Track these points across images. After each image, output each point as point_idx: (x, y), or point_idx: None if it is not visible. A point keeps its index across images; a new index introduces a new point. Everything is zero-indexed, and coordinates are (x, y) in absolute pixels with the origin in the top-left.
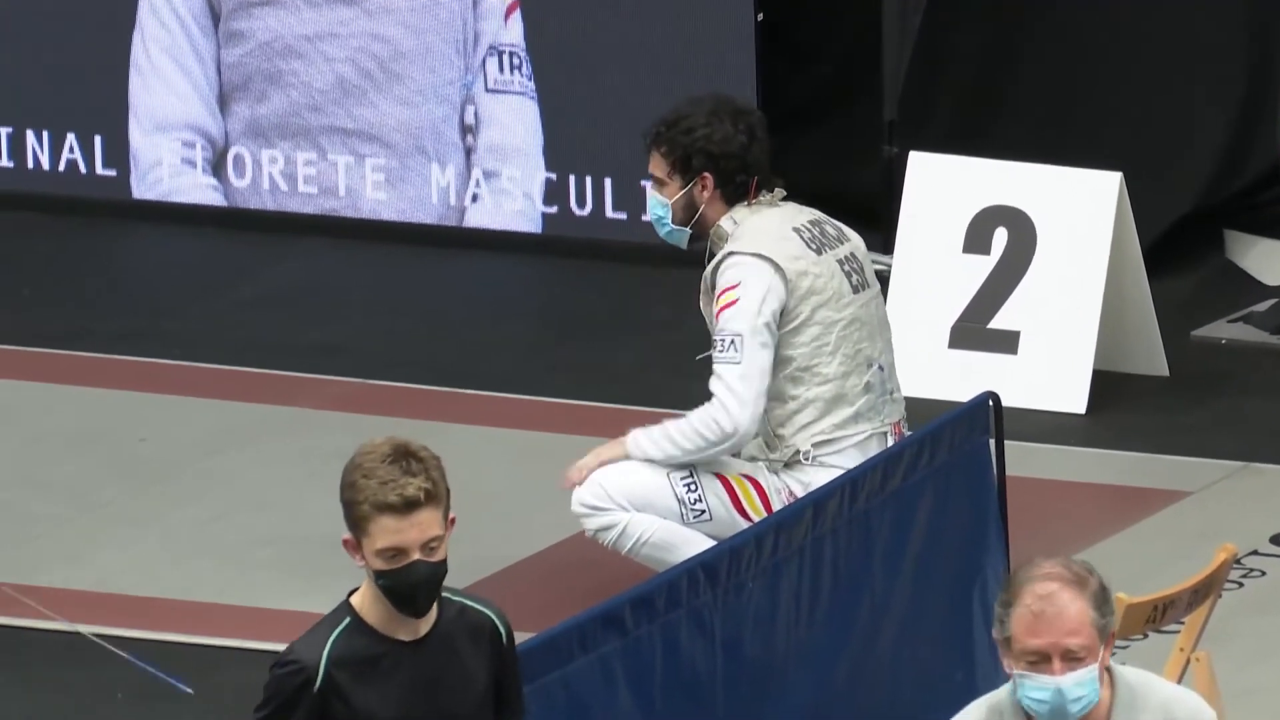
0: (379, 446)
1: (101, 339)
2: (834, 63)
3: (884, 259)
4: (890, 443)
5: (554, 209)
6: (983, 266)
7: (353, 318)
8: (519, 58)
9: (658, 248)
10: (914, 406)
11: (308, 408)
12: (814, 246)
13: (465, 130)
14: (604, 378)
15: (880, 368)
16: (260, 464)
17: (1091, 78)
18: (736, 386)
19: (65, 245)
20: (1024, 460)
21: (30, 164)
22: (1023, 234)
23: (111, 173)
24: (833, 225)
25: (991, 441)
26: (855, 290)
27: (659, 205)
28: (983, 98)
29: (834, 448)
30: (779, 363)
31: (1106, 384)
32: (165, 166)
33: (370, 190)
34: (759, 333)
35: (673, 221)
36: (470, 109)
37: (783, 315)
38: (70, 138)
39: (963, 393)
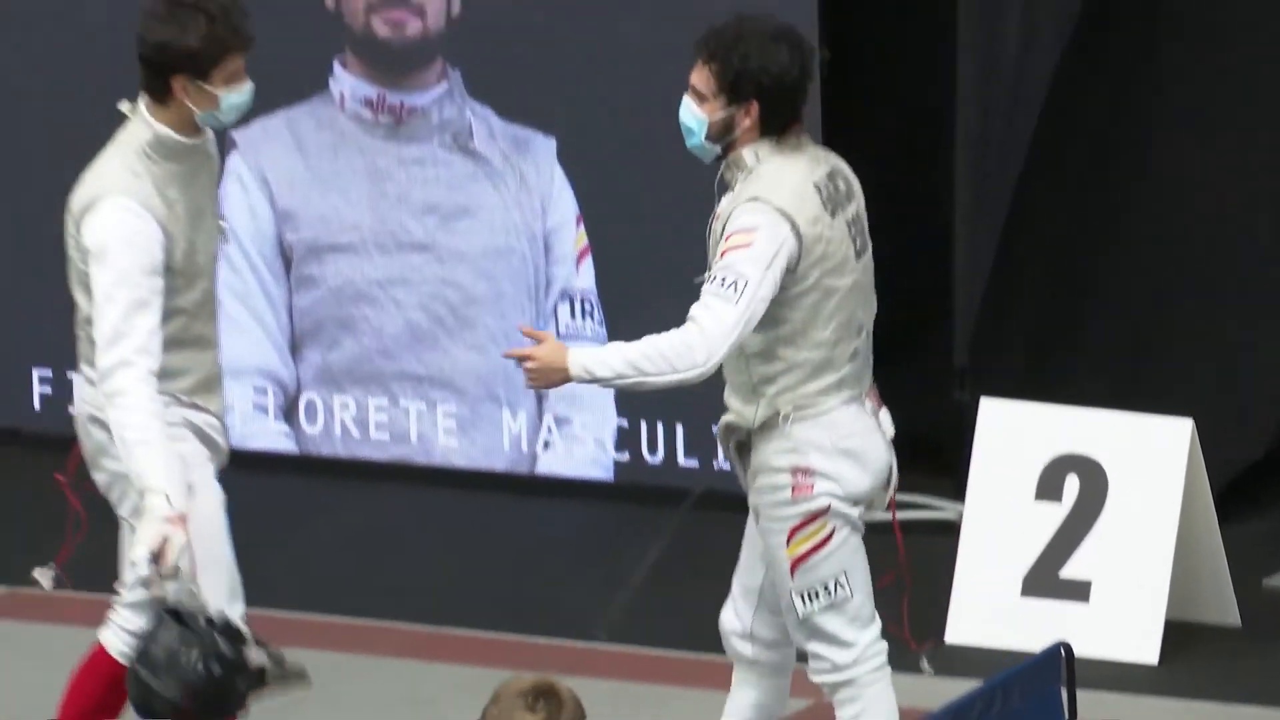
0: (520, 684)
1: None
2: (904, 306)
3: (955, 505)
4: (867, 407)
5: (625, 456)
6: (1055, 514)
7: (424, 564)
8: (590, 303)
9: (731, 493)
10: (985, 655)
11: (379, 655)
12: (829, 207)
13: None
14: (677, 624)
15: (867, 334)
16: (332, 711)
17: (1164, 322)
18: (726, 323)
19: None
20: (1096, 710)
21: None
22: (1094, 481)
23: None
24: (844, 179)
25: (1063, 691)
26: (858, 256)
27: (694, 119)
28: (1053, 342)
29: (813, 411)
30: (774, 322)
31: (1178, 633)
32: (237, 412)
33: (442, 437)
34: (764, 285)
35: (705, 139)
36: None
37: (789, 279)
38: None
39: (1034, 642)
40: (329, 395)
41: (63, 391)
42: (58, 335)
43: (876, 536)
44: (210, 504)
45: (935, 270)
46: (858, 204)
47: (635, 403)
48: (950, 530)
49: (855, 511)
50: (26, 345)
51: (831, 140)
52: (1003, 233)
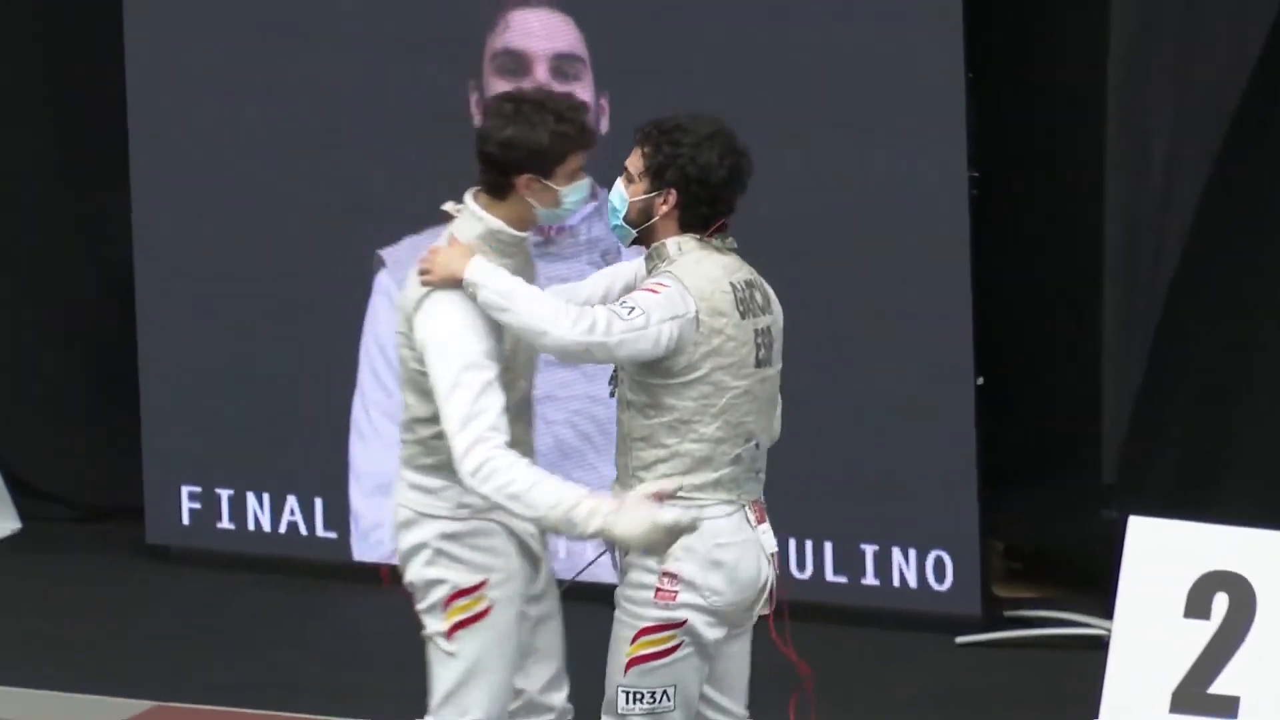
0: None
1: (318, 697)
2: (1052, 424)
3: (1104, 623)
4: (750, 518)
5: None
6: (1203, 631)
7: (585, 677)
8: None
9: (887, 611)
10: None
11: None
12: (740, 308)
13: None
14: None
15: (757, 445)
16: None
17: None
18: (602, 325)
19: (286, 606)
20: None
21: (251, 525)
22: (1242, 598)
23: (332, 535)
24: (762, 293)
25: None
26: (759, 365)
27: (619, 198)
28: (1202, 458)
29: (681, 505)
30: (661, 408)
31: None
32: (386, 528)
33: (591, 551)
34: (653, 328)
35: (624, 220)
36: None
37: (681, 364)
38: (291, 500)
39: None
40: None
41: (211, 508)
42: (206, 452)
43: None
44: (503, 623)
45: (1084, 388)
46: (774, 320)
47: (783, 520)
48: (1098, 646)
49: (711, 632)
50: (176, 463)
51: (980, 255)
52: (1152, 350)
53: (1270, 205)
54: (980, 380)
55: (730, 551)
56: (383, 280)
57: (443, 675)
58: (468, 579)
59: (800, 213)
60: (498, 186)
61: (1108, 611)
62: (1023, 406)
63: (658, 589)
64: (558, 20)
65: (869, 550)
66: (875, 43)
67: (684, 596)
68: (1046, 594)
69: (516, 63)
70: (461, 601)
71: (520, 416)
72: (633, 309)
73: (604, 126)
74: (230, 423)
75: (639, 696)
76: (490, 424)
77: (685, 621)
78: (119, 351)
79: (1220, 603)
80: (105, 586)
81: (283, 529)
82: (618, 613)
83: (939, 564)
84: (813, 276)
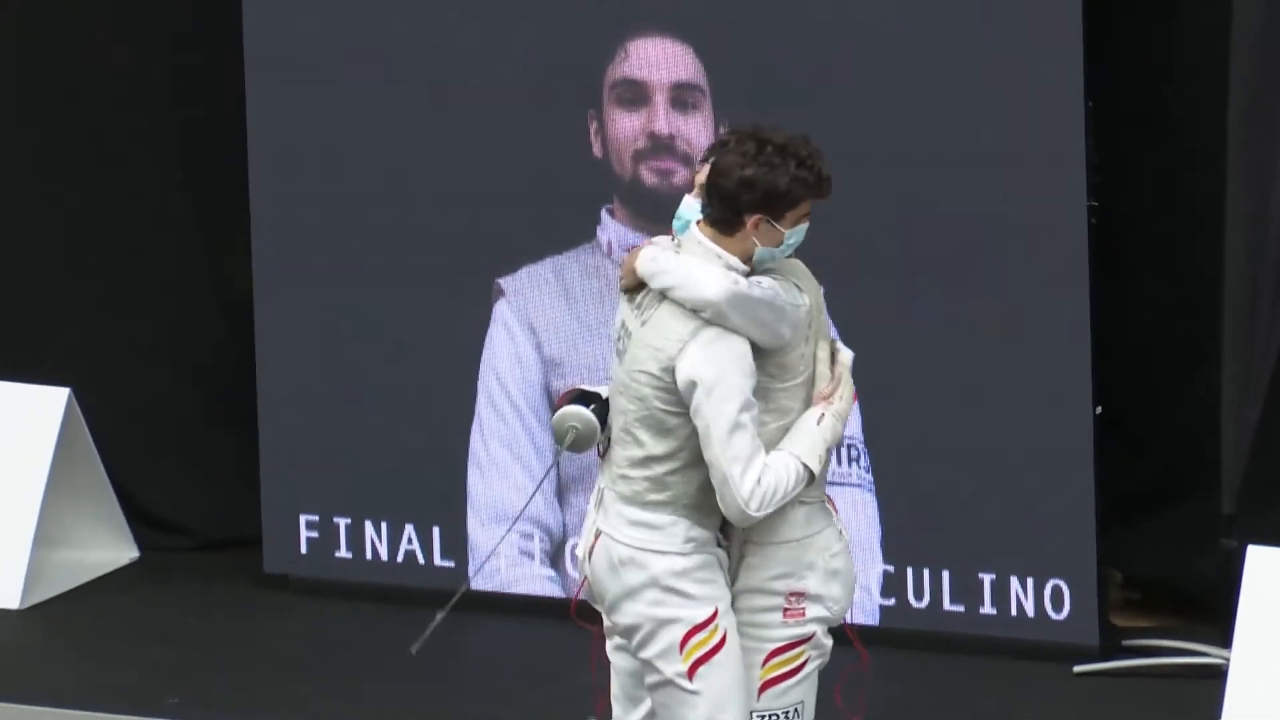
0: None
1: None
2: (1171, 453)
3: (1223, 652)
4: (833, 513)
5: (891, 601)
6: None
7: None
8: (857, 449)
9: (1004, 641)
10: None
11: None
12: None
13: None
14: None
15: None
16: None
17: None
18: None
19: (402, 635)
20: None
21: (368, 554)
22: None
23: (449, 563)
24: None
25: None
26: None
27: (687, 209)
28: None
29: (813, 530)
30: (782, 411)
31: None
32: (503, 558)
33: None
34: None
35: None
36: None
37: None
38: (408, 529)
39: None
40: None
41: (329, 537)
42: (324, 481)
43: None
44: (734, 650)
45: (1204, 417)
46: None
47: (902, 548)
48: (1216, 675)
49: (829, 640)
50: (293, 491)
51: (1100, 284)
52: (1272, 378)
53: None
54: (1099, 409)
55: (841, 559)
56: (501, 309)
57: (689, 715)
58: (701, 613)
59: (921, 243)
60: (727, 223)
61: (1226, 641)
62: (1142, 435)
63: (785, 609)
64: (677, 49)
65: (986, 579)
66: (995, 71)
67: (811, 611)
68: (1165, 623)
69: (636, 92)
70: (699, 637)
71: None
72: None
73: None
74: (348, 451)
75: (773, 718)
76: (764, 462)
77: (814, 635)
78: (238, 380)
79: None
80: (223, 616)
81: (400, 558)
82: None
83: (1057, 593)
84: (935, 305)
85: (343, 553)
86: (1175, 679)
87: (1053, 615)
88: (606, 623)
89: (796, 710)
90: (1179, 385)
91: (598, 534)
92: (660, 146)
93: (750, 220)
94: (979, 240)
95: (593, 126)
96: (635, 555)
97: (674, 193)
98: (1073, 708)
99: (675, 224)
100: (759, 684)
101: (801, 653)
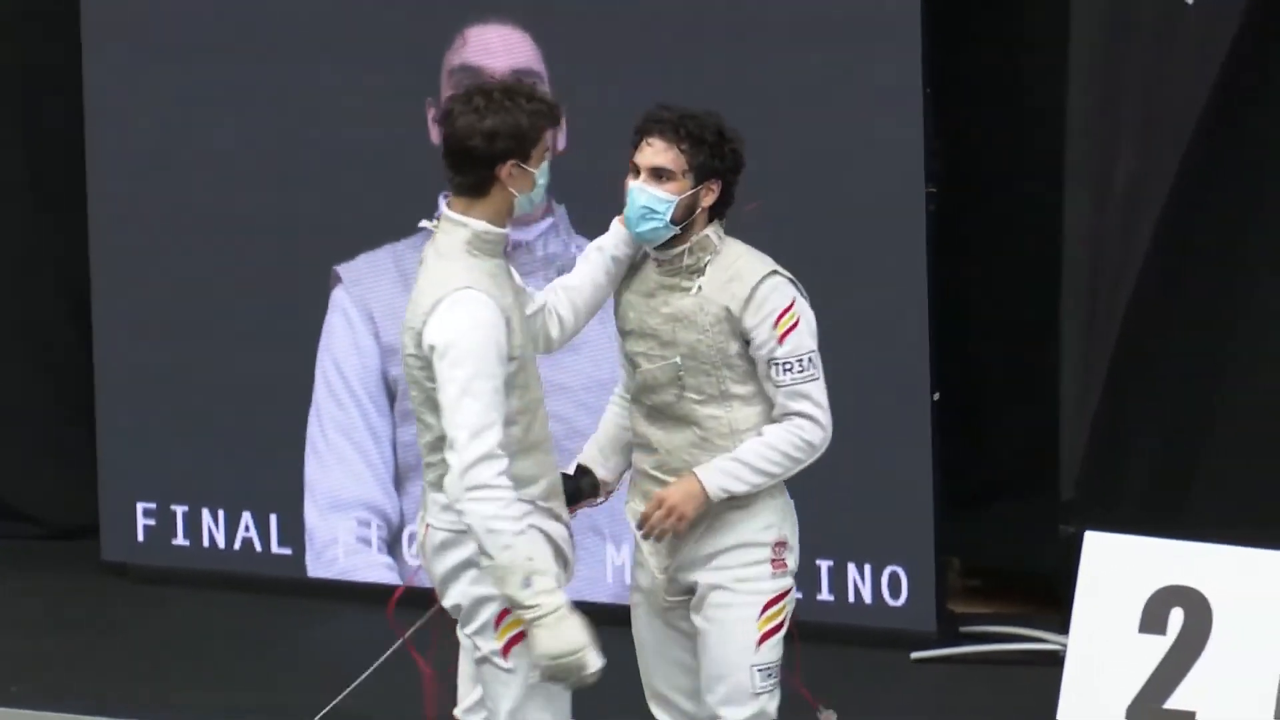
0: None
1: (277, 715)
2: (1010, 440)
3: (1060, 639)
4: None
5: None
6: (1159, 646)
7: None
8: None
9: (842, 627)
10: None
11: None
12: None
13: None
14: None
15: None
16: None
17: (1273, 455)
18: (824, 399)
19: (241, 623)
20: None
21: (206, 542)
22: (1199, 614)
23: (287, 551)
24: None
25: None
26: None
27: (657, 199)
28: (1161, 475)
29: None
30: (760, 398)
31: None
32: (341, 545)
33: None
34: (816, 354)
35: (671, 219)
36: None
37: None
38: (246, 516)
39: None
40: None
41: (167, 525)
42: (161, 469)
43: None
44: None
45: (1043, 404)
46: None
47: None
48: (1055, 662)
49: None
50: (131, 480)
51: (938, 271)
52: (1110, 366)
53: (1229, 225)
54: (937, 396)
55: (794, 511)
56: (338, 297)
57: (504, 694)
58: None
59: (758, 228)
60: (480, 183)
61: (1065, 627)
62: (980, 422)
63: (773, 560)
64: (515, 36)
65: (824, 565)
66: (834, 59)
67: (789, 562)
68: (1003, 610)
69: (474, 79)
70: (513, 616)
71: (540, 412)
72: (806, 360)
73: (561, 142)
74: (186, 439)
75: (769, 672)
76: (499, 439)
77: (791, 587)
78: (78, 369)
79: (1176, 618)
80: (62, 604)
81: (237, 545)
82: (724, 597)
83: (894, 580)
84: None
85: (180, 540)
86: (1014, 665)
87: (890, 602)
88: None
89: (779, 662)
90: (1019, 372)
91: (425, 526)
92: None
93: (503, 170)
94: (817, 225)
95: (431, 113)
96: (450, 538)
97: None
98: (910, 695)
99: (642, 227)
100: (757, 637)
101: (784, 605)
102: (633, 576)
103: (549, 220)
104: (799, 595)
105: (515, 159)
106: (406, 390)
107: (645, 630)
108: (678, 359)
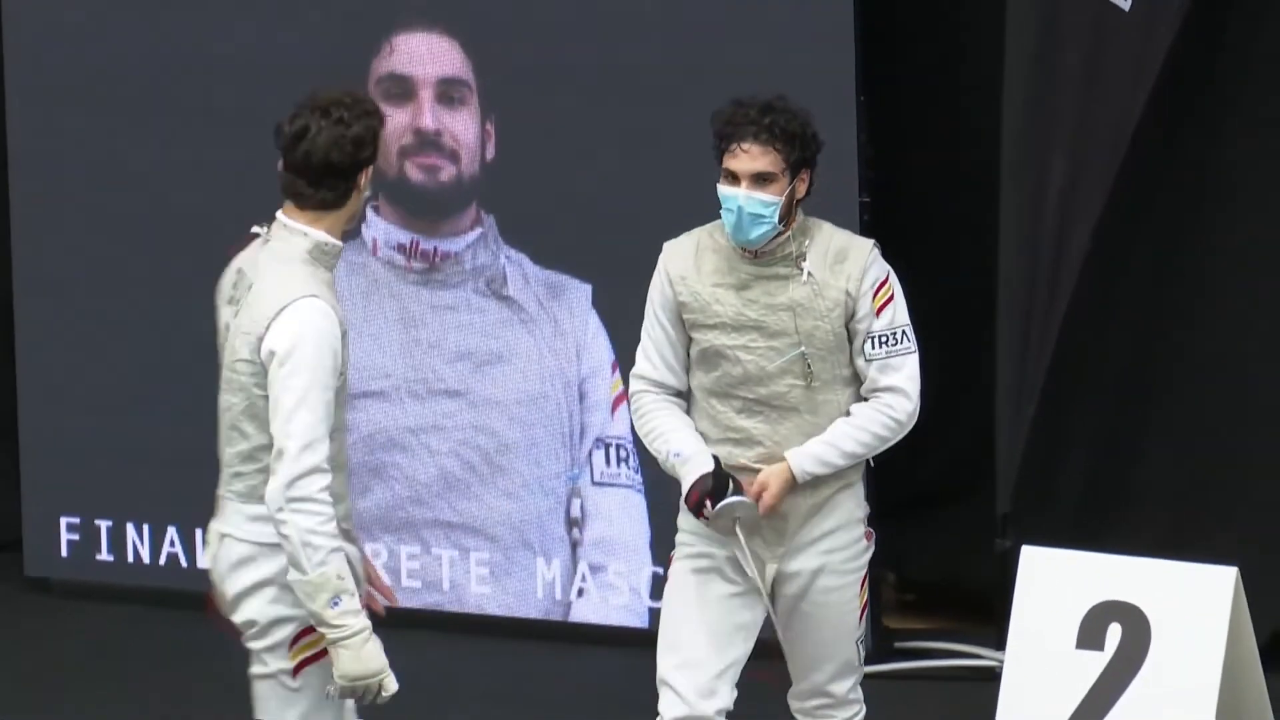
0: None
1: None
2: (946, 452)
3: (996, 654)
4: None
5: (660, 604)
6: (1096, 662)
7: (457, 713)
8: (626, 450)
9: (774, 642)
10: None
11: None
12: None
13: (571, 524)
14: None
15: None
16: None
17: (1210, 470)
18: (915, 374)
19: (165, 639)
20: None
21: (130, 557)
22: (1137, 630)
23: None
24: None
25: None
26: None
27: (765, 205)
28: (1097, 489)
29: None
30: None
31: None
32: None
33: (475, 584)
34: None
35: (778, 220)
36: (576, 502)
37: None
38: (171, 531)
39: None
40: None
41: (91, 540)
42: (85, 483)
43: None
44: None
45: (978, 417)
46: None
47: (671, 549)
48: (991, 678)
49: None
50: (54, 493)
51: None
52: (1046, 379)
53: (1166, 234)
54: None
55: None
56: None
57: (287, 712)
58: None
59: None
60: (342, 195)
61: (1001, 643)
62: (916, 434)
63: (865, 533)
64: (443, 44)
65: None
66: (767, 63)
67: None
68: (939, 625)
69: (402, 87)
70: (309, 638)
71: (344, 435)
72: (900, 334)
73: (490, 152)
74: (110, 453)
75: (864, 642)
76: (326, 454)
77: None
78: (4, 385)
79: (1114, 633)
80: None
81: (163, 560)
82: (834, 580)
83: None
84: None
85: (104, 555)
86: (949, 681)
87: None
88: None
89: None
90: (955, 383)
91: (221, 538)
92: (426, 142)
93: (362, 178)
94: None
95: None
96: (253, 553)
97: (440, 189)
98: None
99: (754, 233)
100: (860, 611)
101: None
102: (691, 545)
103: (478, 231)
104: None
105: (373, 163)
106: None
107: (695, 589)
108: (803, 348)
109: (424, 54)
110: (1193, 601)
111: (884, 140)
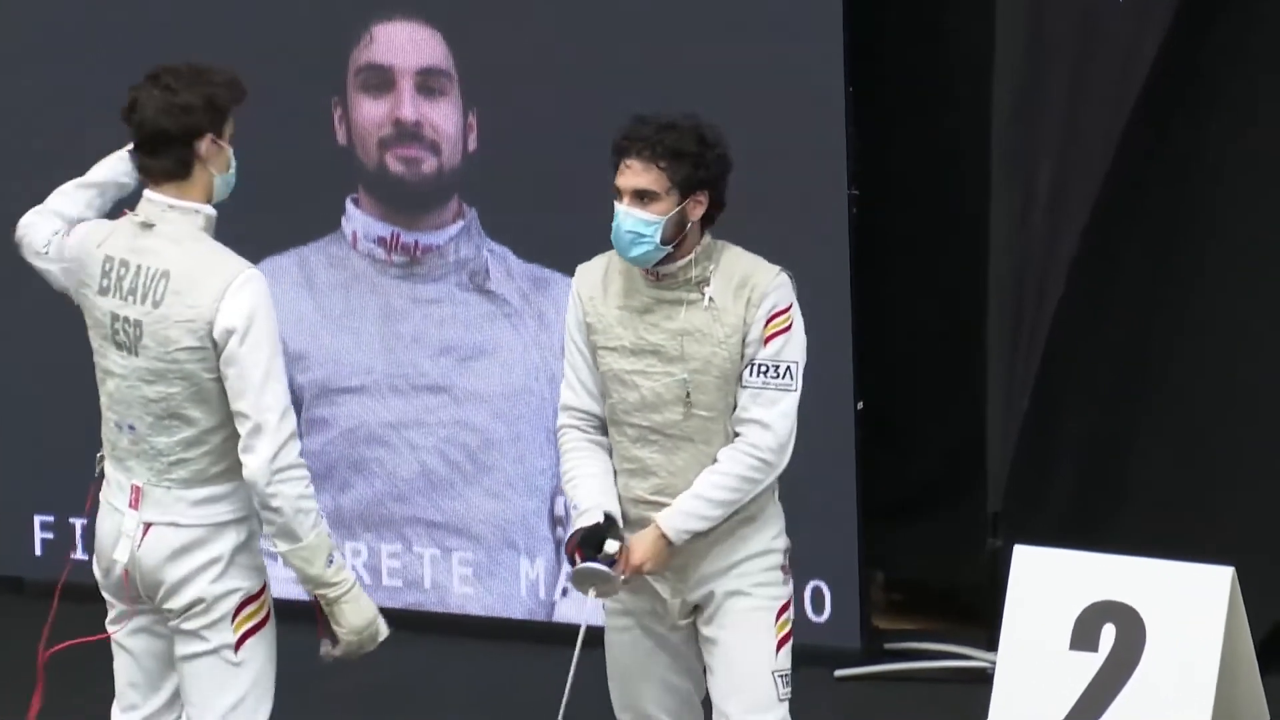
0: None
1: None
2: (937, 451)
3: (989, 655)
4: None
5: None
6: (1090, 663)
7: (439, 716)
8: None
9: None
10: None
11: None
12: None
13: (555, 522)
14: None
15: None
16: None
17: (1205, 468)
18: (790, 414)
19: None
20: None
21: None
22: (1131, 630)
23: None
24: None
25: None
26: None
27: (642, 222)
28: (1090, 488)
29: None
30: None
31: None
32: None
33: (457, 584)
34: (803, 362)
35: (660, 240)
36: (561, 500)
37: None
38: None
39: None
40: (340, 540)
41: (64, 538)
42: (59, 481)
43: (910, 684)
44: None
45: (970, 415)
46: None
47: None
48: (983, 679)
49: None
50: (28, 492)
51: (862, 277)
52: (1038, 377)
53: (1157, 233)
54: (860, 405)
55: None
56: None
57: (229, 685)
58: (254, 584)
59: None
60: (180, 164)
61: (992, 644)
62: (906, 433)
63: (782, 566)
64: (424, 34)
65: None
66: (755, 55)
67: (789, 567)
68: (930, 626)
69: (381, 78)
70: (250, 609)
71: None
72: (785, 369)
73: (472, 144)
74: (85, 451)
75: (787, 679)
76: (295, 422)
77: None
78: None
79: (1108, 634)
80: None
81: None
82: (744, 602)
83: (817, 595)
84: None
85: (79, 554)
86: (940, 683)
87: (813, 618)
88: (126, 608)
89: (789, 669)
90: (945, 381)
91: (145, 528)
92: (406, 134)
93: (202, 147)
94: (736, 227)
95: (337, 113)
96: (205, 534)
97: (421, 180)
98: (834, 713)
99: (633, 251)
100: (776, 642)
101: (790, 612)
102: (613, 601)
103: (460, 224)
104: None
105: (211, 133)
106: (313, 398)
107: (629, 653)
108: (685, 375)
109: (404, 43)
110: (1188, 602)
111: (872, 134)
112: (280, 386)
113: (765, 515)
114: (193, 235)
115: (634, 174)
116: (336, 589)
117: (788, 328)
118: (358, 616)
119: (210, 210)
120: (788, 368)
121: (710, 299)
